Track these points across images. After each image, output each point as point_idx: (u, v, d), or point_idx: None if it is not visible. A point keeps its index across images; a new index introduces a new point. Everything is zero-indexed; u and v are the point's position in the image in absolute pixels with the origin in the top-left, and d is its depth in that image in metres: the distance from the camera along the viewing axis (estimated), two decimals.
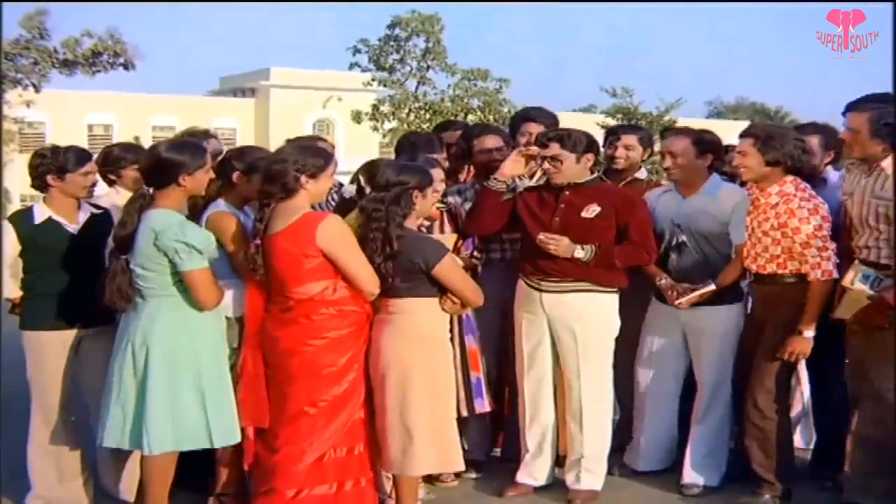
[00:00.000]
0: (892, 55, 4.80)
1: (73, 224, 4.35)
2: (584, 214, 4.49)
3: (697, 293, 4.60)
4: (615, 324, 4.64)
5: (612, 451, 4.85)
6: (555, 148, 4.49)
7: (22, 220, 4.37)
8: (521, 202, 4.65)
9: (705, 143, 4.71)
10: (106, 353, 4.11)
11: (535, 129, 5.15)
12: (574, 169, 4.52)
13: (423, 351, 4.08)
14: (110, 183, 4.83)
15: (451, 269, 4.10)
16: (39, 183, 4.33)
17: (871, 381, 4.19)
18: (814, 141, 4.82)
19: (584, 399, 4.58)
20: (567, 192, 4.54)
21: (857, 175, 4.33)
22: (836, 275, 4.28)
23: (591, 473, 4.65)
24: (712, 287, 4.60)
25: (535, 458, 4.73)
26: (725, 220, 4.64)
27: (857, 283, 4.12)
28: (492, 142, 5.04)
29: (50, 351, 4.33)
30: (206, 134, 5.08)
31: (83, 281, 4.23)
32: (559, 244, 4.41)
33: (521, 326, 4.68)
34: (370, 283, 4.00)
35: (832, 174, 4.90)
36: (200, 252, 3.82)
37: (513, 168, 4.65)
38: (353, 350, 4.03)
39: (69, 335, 4.34)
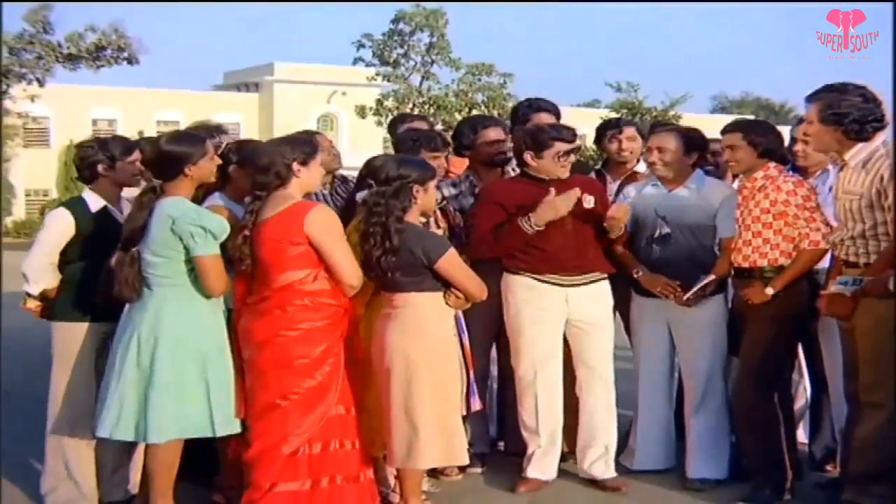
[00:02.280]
0: (892, 55, 4.76)
1: (121, 214, 4.37)
2: (586, 206, 4.60)
3: (700, 285, 4.60)
4: (611, 309, 4.85)
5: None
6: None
7: (78, 207, 4.37)
8: (507, 197, 4.64)
9: (693, 141, 4.83)
10: None
11: (546, 119, 5.16)
12: None
13: (428, 345, 4.07)
14: None
15: (454, 263, 4.10)
16: (88, 174, 4.39)
17: (864, 384, 4.16)
18: None
19: (610, 387, 4.73)
20: (553, 187, 4.58)
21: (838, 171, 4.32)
22: (822, 245, 4.33)
23: (612, 461, 4.76)
24: (712, 277, 4.61)
25: (548, 452, 4.72)
26: (712, 213, 4.71)
27: (835, 287, 4.10)
28: (498, 133, 5.07)
29: (81, 344, 4.30)
30: (218, 128, 5.09)
31: None
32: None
33: (533, 324, 4.64)
34: (352, 275, 3.98)
35: (833, 168, 4.88)
36: (216, 237, 3.85)
37: (553, 214, 4.53)
38: (327, 343, 3.99)
39: (101, 328, 4.30)
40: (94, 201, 4.38)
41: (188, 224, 3.80)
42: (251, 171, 4.08)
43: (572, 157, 4.66)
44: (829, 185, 4.63)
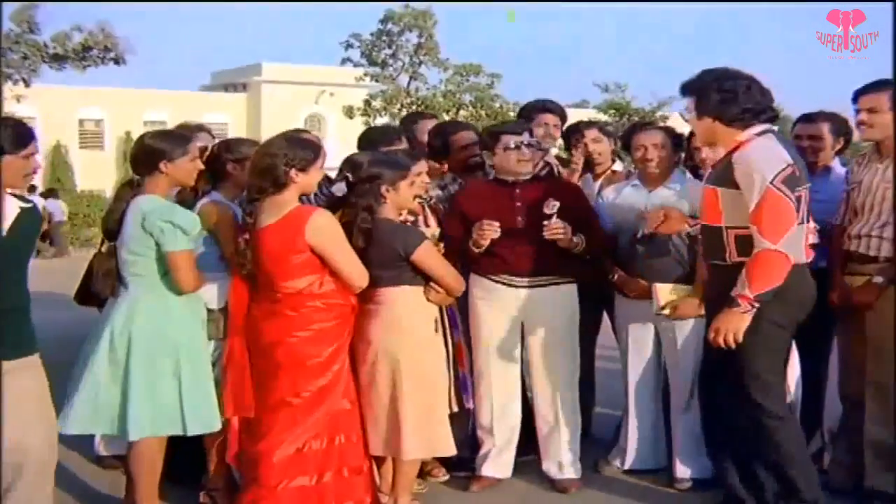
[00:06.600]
0: (892, 55, 4.78)
1: None
2: (546, 210, 4.45)
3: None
4: (577, 313, 4.72)
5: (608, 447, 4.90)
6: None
7: None
8: (470, 202, 4.61)
9: (677, 138, 4.84)
10: (30, 394, 3.38)
11: (552, 119, 5.16)
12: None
13: (411, 340, 4.09)
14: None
15: (429, 254, 4.11)
16: None
17: (872, 379, 4.14)
18: (824, 128, 4.83)
19: (560, 391, 4.63)
20: (518, 189, 4.54)
21: (866, 164, 4.30)
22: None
23: (571, 463, 4.70)
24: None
25: (503, 451, 4.73)
26: (694, 211, 4.62)
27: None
28: (469, 136, 5.02)
29: None
30: (200, 128, 5.06)
31: None
32: (567, 232, 4.42)
33: (487, 324, 4.63)
34: (358, 277, 3.99)
35: (838, 165, 4.88)
36: (186, 233, 3.83)
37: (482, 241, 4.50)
38: (337, 342, 4.01)
39: None
40: None
41: (158, 220, 3.79)
42: (249, 172, 4.04)
43: (526, 151, 4.51)
44: (835, 181, 4.66)
